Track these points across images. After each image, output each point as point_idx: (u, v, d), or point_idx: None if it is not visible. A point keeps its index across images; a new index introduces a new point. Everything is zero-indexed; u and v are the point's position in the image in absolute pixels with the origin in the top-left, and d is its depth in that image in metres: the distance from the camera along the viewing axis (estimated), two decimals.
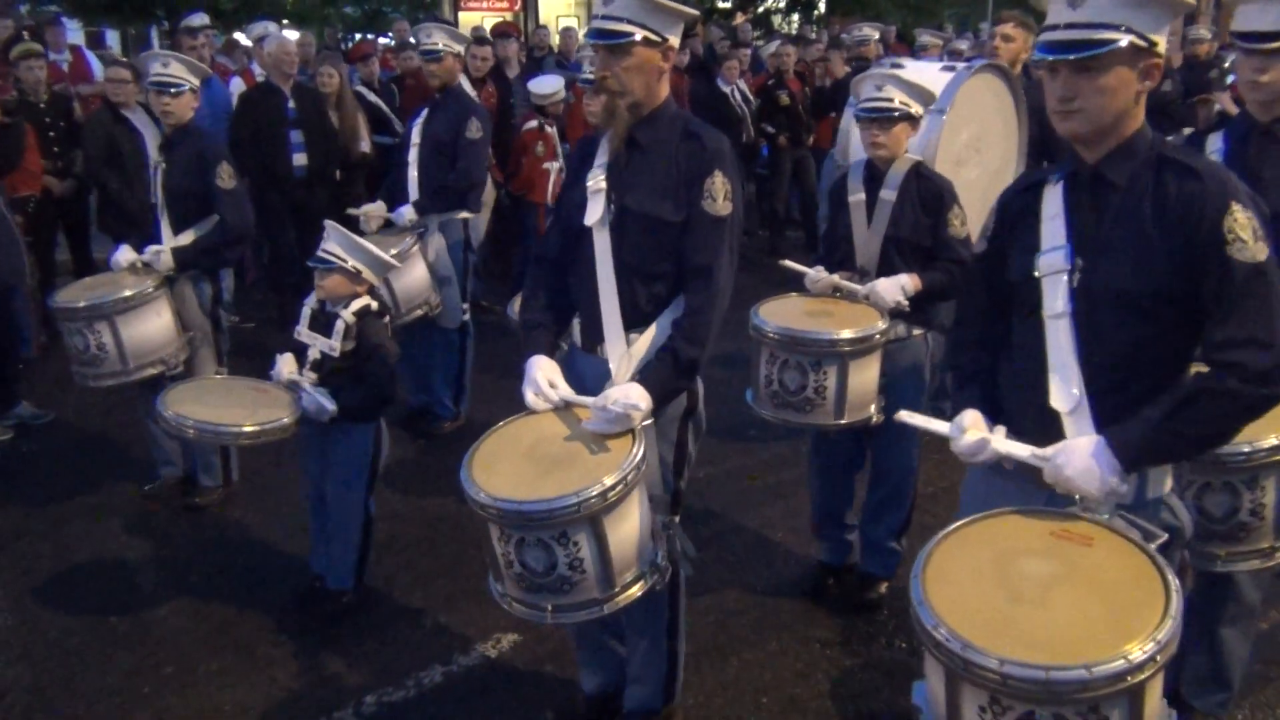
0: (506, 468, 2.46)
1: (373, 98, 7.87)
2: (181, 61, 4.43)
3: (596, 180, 2.70)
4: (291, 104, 6.75)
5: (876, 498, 3.77)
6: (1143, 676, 1.68)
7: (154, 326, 4.25)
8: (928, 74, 5.07)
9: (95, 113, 6.50)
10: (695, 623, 3.70)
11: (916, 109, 3.54)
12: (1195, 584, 2.72)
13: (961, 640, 1.74)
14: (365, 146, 7.27)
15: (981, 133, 5.08)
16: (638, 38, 2.55)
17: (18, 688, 3.41)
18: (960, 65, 5.29)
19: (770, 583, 4.01)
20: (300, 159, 6.79)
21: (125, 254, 4.38)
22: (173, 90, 4.33)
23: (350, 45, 13.48)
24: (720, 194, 2.63)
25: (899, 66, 5.53)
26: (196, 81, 4.43)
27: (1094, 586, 1.85)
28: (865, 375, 3.36)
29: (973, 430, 2.17)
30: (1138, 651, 1.67)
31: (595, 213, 2.69)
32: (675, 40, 2.64)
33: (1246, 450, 2.46)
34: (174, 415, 3.40)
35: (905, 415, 2.30)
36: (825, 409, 3.34)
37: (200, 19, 7.79)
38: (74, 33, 14.67)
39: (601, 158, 2.73)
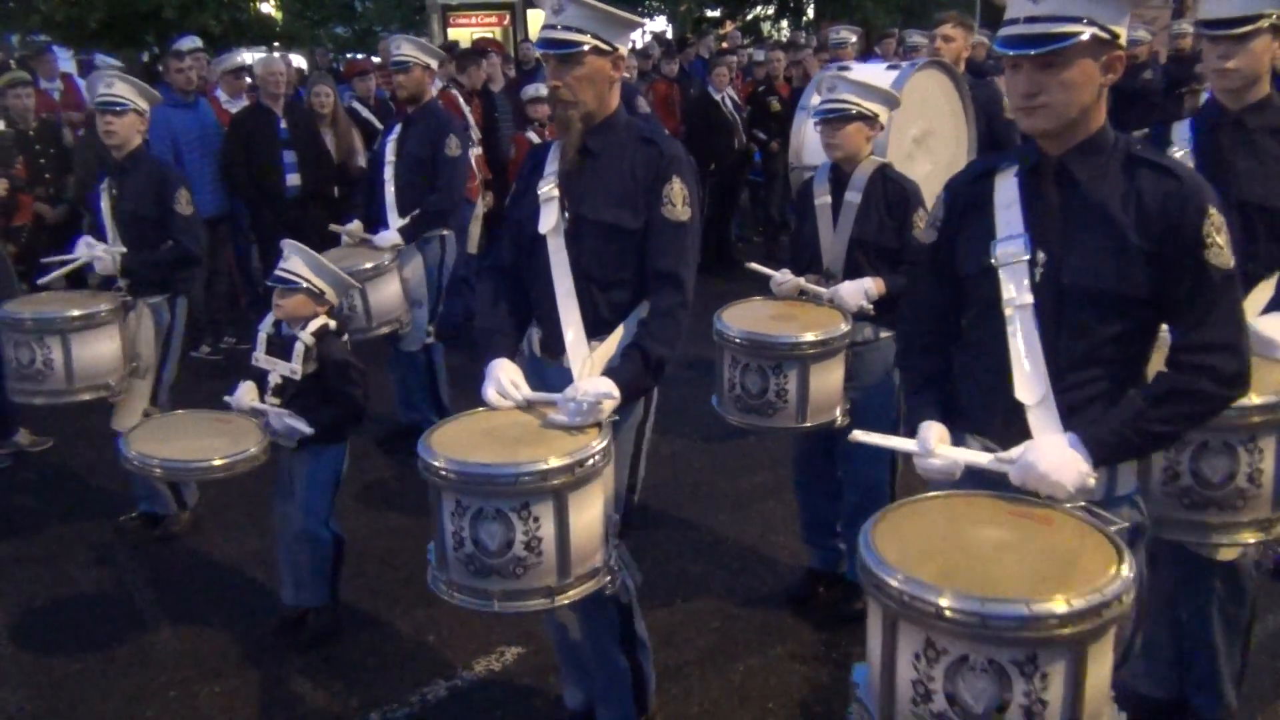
0: (468, 442, 2.41)
1: (366, 114, 7.87)
2: (127, 82, 4.35)
3: (548, 188, 2.69)
4: (284, 124, 6.75)
5: (851, 504, 3.70)
6: (1084, 627, 1.63)
7: (105, 349, 4.14)
8: (872, 74, 5.11)
9: (86, 137, 6.51)
10: (699, 629, 3.70)
11: (872, 108, 3.50)
12: (1182, 597, 2.75)
13: (903, 574, 1.71)
14: (361, 162, 7.28)
15: (931, 128, 5.10)
16: (587, 47, 2.54)
17: (20, 716, 3.39)
18: (904, 63, 5.33)
19: (774, 587, 3.99)
20: (294, 179, 6.78)
21: (80, 246, 4.30)
22: (116, 109, 4.25)
23: (342, 65, 13.51)
24: (679, 199, 2.62)
25: (845, 69, 5.60)
26: (144, 105, 4.35)
27: (1046, 552, 1.82)
28: (828, 378, 3.33)
29: (941, 449, 2.13)
30: (1080, 600, 1.63)
31: (549, 221, 2.67)
32: (625, 49, 2.64)
33: (1236, 406, 2.37)
34: (138, 455, 3.28)
35: (861, 435, 2.23)
36: (788, 412, 3.31)
37: (190, 43, 7.80)
38: (65, 61, 14.71)
39: (552, 165, 2.72)
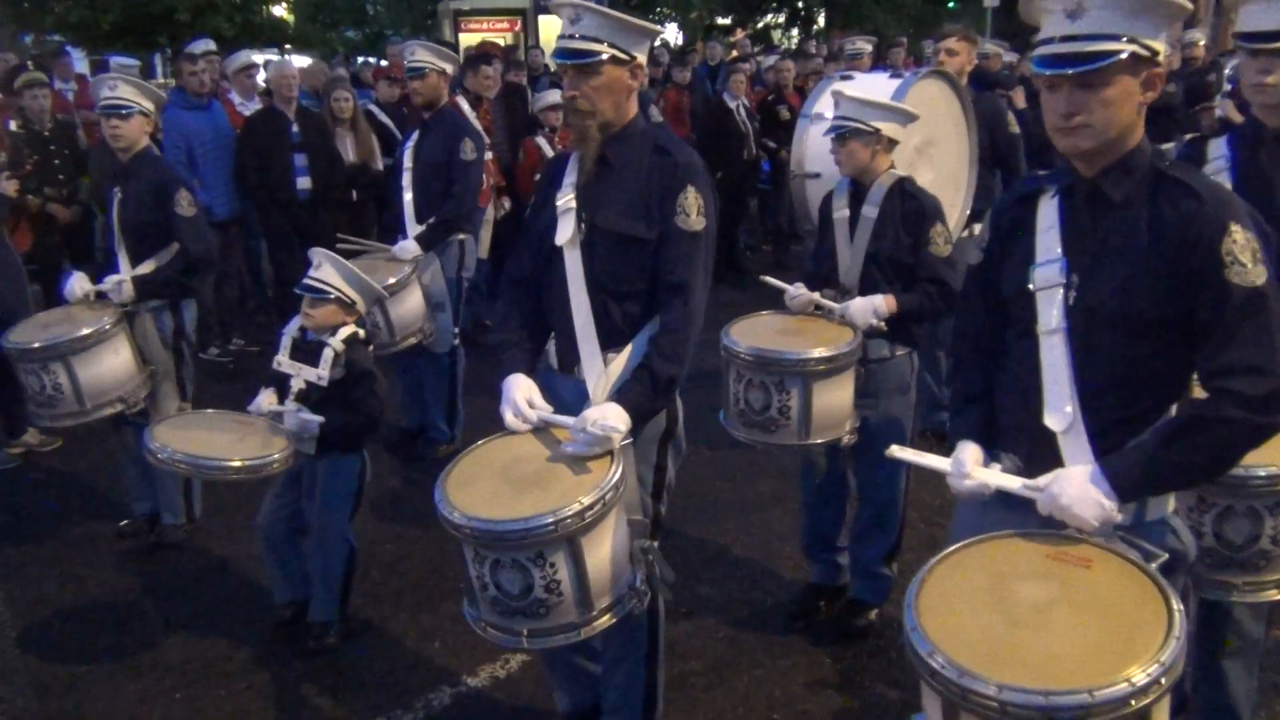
0: (482, 487, 2.41)
1: (383, 117, 7.90)
2: (131, 84, 4.31)
3: (566, 199, 2.68)
4: (295, 128, 6.79)
5: (862, 520, 3.70)
6: (1147, 700, 1.62)
7: (112, 364, 4.08)
8: (875, 84, 5.11)
9: (104, 138, 6.53)
10: (705, 640, 3.70)
11: (872, 124, 3.47)
12: (1196, 617, 2.65)
13: (958, 668, 1.68)
14: (379, 165, 7.31)
15: (933, 137, 5.10)
16: (605, 56, 2.53)
17: (26, 716, 3.40)
18: (906, 73, 5.35)
19: (780, 598, 3.98)
20: (304, 182, 6.81)
21: (80, 283, 4.23)
22: (123, 112, 4.19)
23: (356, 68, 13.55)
24: (694, 209, 2.61)
25: (848, 78, 5.61)
26: (150, 106, 4.31)
27: (1093, 608, 1.79)
28: (834, 395, 3.31)
29: (975, 471, 2.11)
30: (1141, 674, 1.62)
31: (566, 232, 2.66)
32: (643, 58, 2.63)
33: (1266, 473, 2.34)
34: (162, 448, 3.27)
35: (897, 450, 2.22)
36: (790, 429, 3.29)
37: (203, 45, 7.83)
38: (78, 62, 14.81)
39: (571, 176, 2.71)
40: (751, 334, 3.40)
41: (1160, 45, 1.94)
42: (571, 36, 2.55)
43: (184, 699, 3.46)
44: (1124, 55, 1.88)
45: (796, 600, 3.90)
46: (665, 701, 3.14)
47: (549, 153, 7.07)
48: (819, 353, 3.23)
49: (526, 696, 3.43)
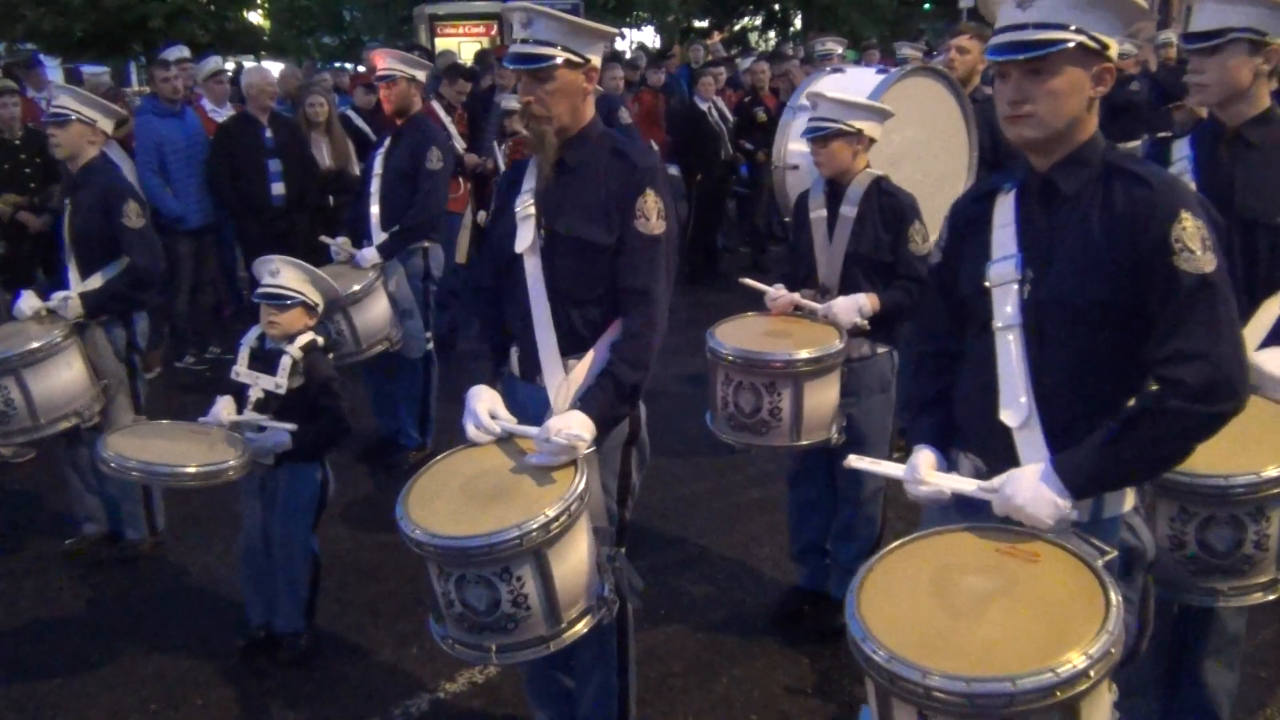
0: (444, 503, 2.37)
1: (360, 123, 7.86)
2: (73, 94, 4.24)
3: (525, 206, 2.65)
4: (269, 134, 6.75)
5: (843, 520, 3.70)
6: (1074, 691, 1.61)
7: (65, 378, 4.00)
8: (862, 78, 5.09)
9: None
10: (683, 641, 3.70)
11: (854, 125, 3.47)
12: (1179, 617, 2.67)
13: (888, 653, 1.70)
14: (356, 170, 7.26)
15: (922, 136, 5.05)
16: (559, 60, 2.50)
17: None
18: (893, 70, 5.32)
19: (758, 599, 3.98)
20: (279, 188, 6.76)
21: (29, 301, 4.13)
22: (59, 120, 4.12)
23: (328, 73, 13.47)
24: (653, 213, 2.58)
25: (839, 71, 5.58)
26: (92, 115, 4.20)
27: (1032, 602, 1.79)
28: (823, 396, 3.31)
29: (929, 476, 2.11)
30: (1066, 666, 1.61)
31: (525, 239, 2.63)
32: (597, 60, 2.60)
33: (1245, 482, 2.32)
34: (115, 457, 3.21)
35: (854, 460, 2.23)
36: (781, 431, 3.29)
37: (177, 52, 7.77)
38: (52, 69, 14.68)
39: (530, 183, 2.68)
40: (738, 336, 3.38)
41: (1112, 41, 1.96)
42: (525, 41, 2.52)
43: (159, 710, 3.43)
44: (1070, 44, 1.90)
45: (780, 602, 3.90)
46: (643, 704, 3.14)
47: (500, 161, 7.00)
48: (809, 353, 3.23)
49: (505, 702, 3.41)
